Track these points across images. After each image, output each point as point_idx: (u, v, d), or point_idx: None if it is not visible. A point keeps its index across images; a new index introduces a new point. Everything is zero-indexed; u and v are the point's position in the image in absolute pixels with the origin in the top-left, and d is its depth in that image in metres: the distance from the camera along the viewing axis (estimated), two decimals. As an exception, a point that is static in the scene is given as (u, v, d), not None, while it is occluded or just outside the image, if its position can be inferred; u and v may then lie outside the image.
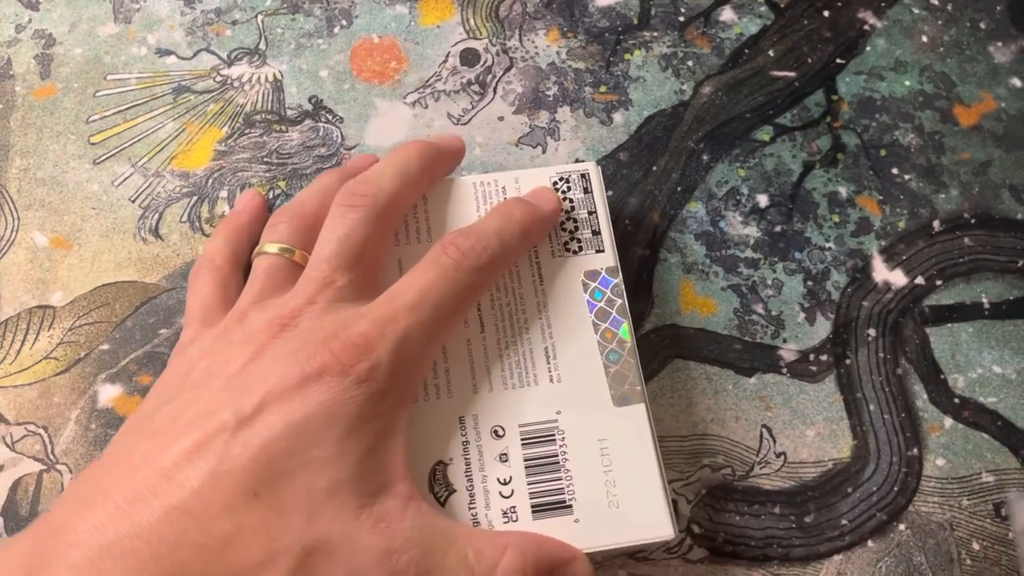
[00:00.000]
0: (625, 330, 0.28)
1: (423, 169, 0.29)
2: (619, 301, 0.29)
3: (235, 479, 0.21)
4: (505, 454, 0.27)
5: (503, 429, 0.27)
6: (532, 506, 0.26)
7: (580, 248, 0.30)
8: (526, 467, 0.26)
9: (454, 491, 0.26)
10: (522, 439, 0.27)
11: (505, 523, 0.26)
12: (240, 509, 0.21)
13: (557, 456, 0.27)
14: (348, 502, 0.22)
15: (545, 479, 0.26)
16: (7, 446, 0.30)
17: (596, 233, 0.30)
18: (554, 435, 0.27)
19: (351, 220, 0.26)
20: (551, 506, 0.26)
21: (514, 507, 0.26)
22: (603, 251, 0.30)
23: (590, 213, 0.30)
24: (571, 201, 0.30)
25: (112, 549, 0.20)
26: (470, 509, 0.26)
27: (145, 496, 0.21)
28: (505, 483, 0.26)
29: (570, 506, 0.26)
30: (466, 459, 0.27)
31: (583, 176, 0.31)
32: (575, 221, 0.30)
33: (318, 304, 0.25)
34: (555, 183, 0.31)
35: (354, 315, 0.24)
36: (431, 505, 0.25)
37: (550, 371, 0.28)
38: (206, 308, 0.28)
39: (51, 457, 0.30)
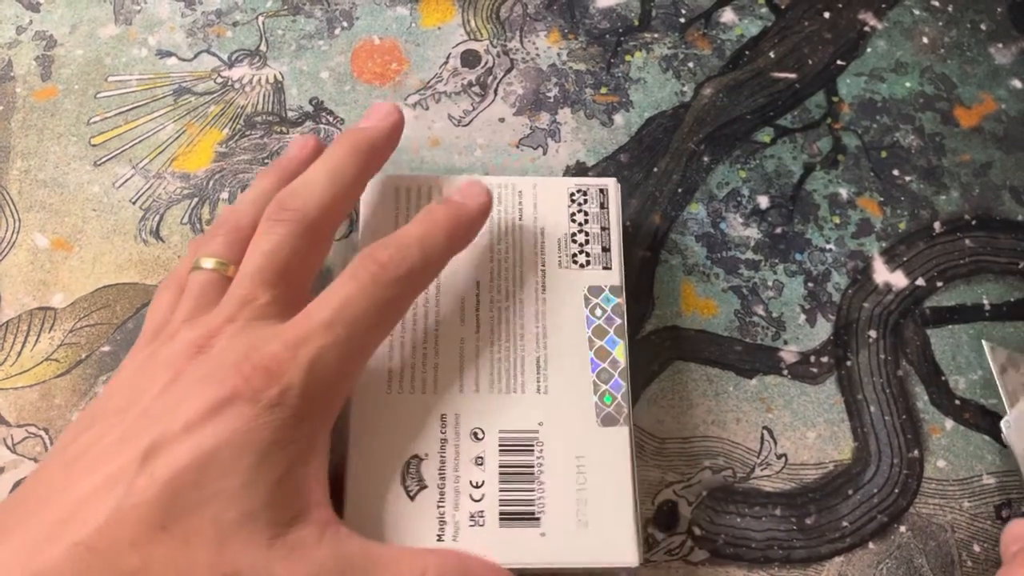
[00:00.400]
0: (620, 351, 0.28)
1: (358, 170, 0.28)
2: (618, 321, 0.29)
3: (141, 512, 0.20)
4: (481, 458, 0.27)
5: (483, 432, 0.27)
6: (500, 514, 0.26)
7: (588, 262, 0.30)
8: (500, 474, 0.26)
9: (425, 487, 0.26)
10: (500, 445, 0.27)
11: (471, 526, 0.26)
12: (146, 544, 0.20)
13: (533, 467, 0.27)
14: (259, 532, 0.21)
15: (517, 488, 0.26)
16: (8, 448, 0.30)
17: (606, 250, 0.30)
18: (533, 446, 0.27)
19: (276, 236, 0.25)
20: (519, 516, 0.26)
21: (482, 512, 0.26)
22: (610, 268, 0.30)
23: (603, 229, 0.30)
24: (585, 214, 0.30)
25: None
26: (438, 507, 0.26)
27: (53, 531, 0.20)
28: (477, 487, 0.26)
29: (538, 519, 0.26)
30: (442, 457, 0.27)
31: (601, 191, 0.31)
32: (587, 234, 0.30)
33: (236, 323, 0.24)
34: (572, 195, 0.31)
35: (268, 335, 0.23)
36: (398, 499, 0.25)
37: (539, 381, 0.28)
38: (156, 323, 0.27)
39: (52, 459, 0.30)
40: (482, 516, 0.26)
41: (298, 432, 0.22)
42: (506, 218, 0.30)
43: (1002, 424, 0.31)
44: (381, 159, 0.29)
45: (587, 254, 0.30)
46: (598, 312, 0.29)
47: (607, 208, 0.31)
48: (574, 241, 0.30)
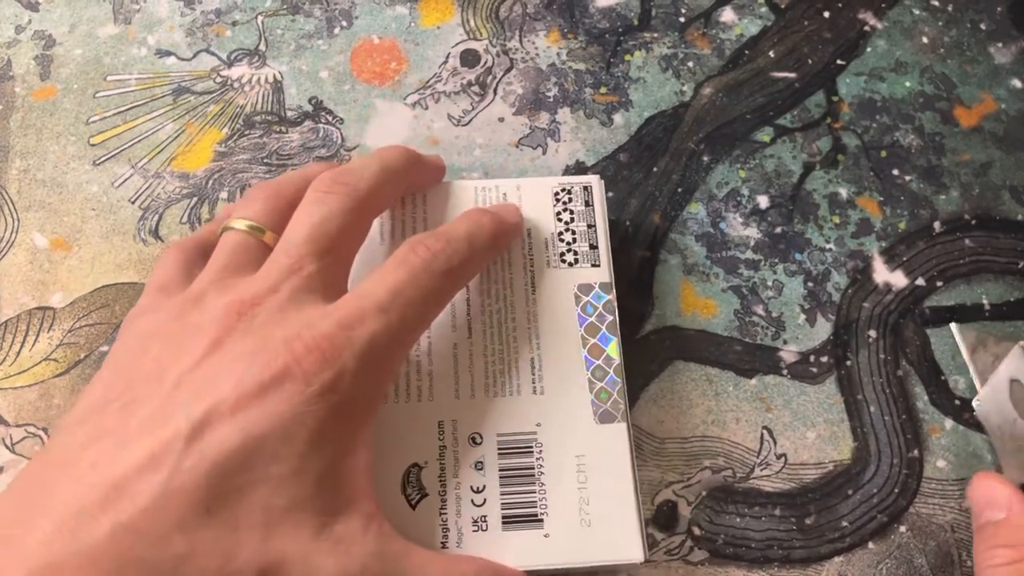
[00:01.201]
0: (613, 347, 0.28)
1: (407, 168, 0.28)
2: (610, 318, 0.29)
3: (188, 495, 0.20)
4: (481, 462, 0.27)
5: (481, 437, 0.27)
6: (503, 517, 0.26)
7: (576, 260, 0.30)
8: (501, 477, 0.26)
9: (426, 495, 0.26)
10: (499, 449, 0.27)
11: (475, 531, 0.26)
12: (193, 527, 0.20)
13: (533, 469, 0.27)
14: (307, 521, 0.21)
15: (519, 491, 0.26)
16: (7, 448, 0.30)
17: (593, 247, 0.30)
18: (532, 447, 0.27)
19: (328, 206, 0.25)
20: (522, 519, 0.26)
21: (485, 516, 0.26)
22: (598, 265, 0.30)
23: (589, 226, 0.30)
24: (571, 212, 0.30)
25: (61, 568, 0.19)
26: (440, 514, 0.26)
27: (93, 511, 0.19)
28: (478, 491, 0.26)
29: (541, 520, 0.26)
30: (441, 464, 0.27)
31: (585, 188, 0.31)
32: (573, 233, 0.30)
33: (281, 293, 0.23)
34: (556, 194, 0.31)
35: (319, 313, 0.22)
36: (400, 509, 0.25)
37: (534, 382, 0.28)
38: (165, 279, 0.25)
39: (51, 459, 0.30)
40: (485, 521, 0.26)
41: (347, 421, 0.22)
42: None
43: (974, 403, 0.31)
44: (424, 177, 0.30)
45: (575, 252, 0.30)
46: (589, 309, 0.29)
47: (592, 205, 0.31)
48: (561, 240, 0.30)
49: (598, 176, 0.31)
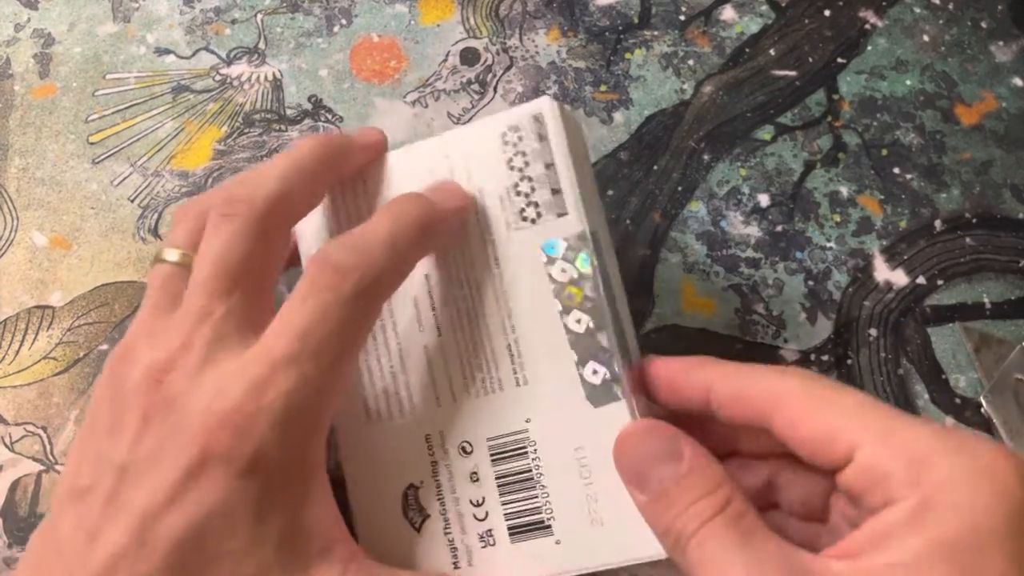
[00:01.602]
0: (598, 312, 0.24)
1: (322, 162, 0.24)
2: (589, 275, 0.24)
3: None
4: (476, 473, 0.24)
5: (471, 445, 0.24)
6: (509, 528, 0.24)
7: (539, 215, 0.24)
8: (498, 485, 0.24)
9: (428, 516, 0.25)
10: (491, 455, 0.24)
11: (483, 547, 0.24)
12: None
13: (531, 471, 0.24)
14: None
15: (520, 497, 0.24)
16: (6, 446, 0.30)
17: (556, 191, 0.24)
18: (525, 447, 0.24)
19: (226, 234, 0.23)
20: (529, 527, 0.24)
21: (490, 530, 0.24)
22: (566, 213, 0.24)
23: (547, 166, 0.24)
24: (524, 155, 0.24)
25: None
26: (446, 535, 0.24)
27: None
28: (478, 504, 0.24)
29: (549, 526, 0.23)
30: (436, 481, 0.25)
31: (536, 119, 0.24)
32: (530, 180, 0.24)
33: (195, 350, 0.22)
34: (504, 135, 0.25)
35: (230, 374, 0.21)
36: (406, 534, 0.24)
37: (515, 372, 0.24)
38: (154, 306, 0.24)
39: (50, 458, 0.30)
40: (491, 535, 0.24)
41: (287, 484, 0.21)
42: None
43: (981, 399, 0.31)
44: (353, 161, 0.26)
45: (535, 204, 0.24)
46: (561, 272, 0.24)
47: (547, 139, 0.24)
48: (517, 193, 0.24)
49: (549, 98, 0.25)
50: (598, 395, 0.23)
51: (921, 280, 0.34)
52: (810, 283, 0.33)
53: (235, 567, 0.21)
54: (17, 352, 0.31)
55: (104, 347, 0.31)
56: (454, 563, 0.24)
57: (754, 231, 0.34)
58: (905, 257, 0.34)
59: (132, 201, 0.34)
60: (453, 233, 0.25)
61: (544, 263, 0.24)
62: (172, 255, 0.24)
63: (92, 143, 0.35)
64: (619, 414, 0.23)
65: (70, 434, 0.30)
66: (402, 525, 0.25)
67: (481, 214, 0.25)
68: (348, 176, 0.26)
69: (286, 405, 0.21)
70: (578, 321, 0.24)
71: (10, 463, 0.30)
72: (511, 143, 0.25)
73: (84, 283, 0.32)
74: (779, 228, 0.34)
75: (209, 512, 0.20)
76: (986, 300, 0.33)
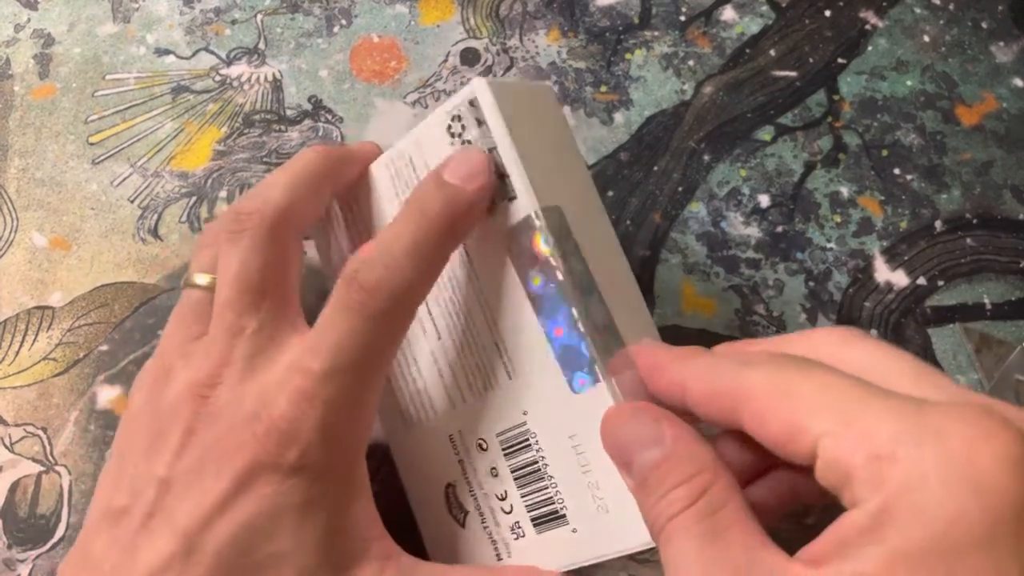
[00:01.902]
0: (561, 289, 0.22)
1: (321, 172, 0.25)
2: (545, 255, 0.22)
3: None
4: (495, 468, 0.25)
5: (485, 442, 0.25)
6: (532, 520, 0.24)
7: (493, 203, 0.23)
8: (515, 479, 0.24)
9: (467, 512, 0.25)
10: (502, 449, 0.24)
11: (515, 539, 0.24)
12: None
13: (538, 463, 0.24)
14: None
15: (534, 489, 0.24)
16: (6, 447, 0.30)
17: (503, 176, 0.23)
18: (528, 440, 0.24)
19: (241, 249, 0.23)
20: (548, 518, 0.24)
21: (518, 523, 0.24)
22: (515, 197, 0.23)
23: (491, 151, 0.23)
24: (469, 144, 0.23)
25: None
26: (484, 528, 0.25)
27: None
28: (502, 498, 0.25)
29: (564, 516, 0.23)
30: (466, 478, 0.25)
31: (472, 104, 0.23)
32: None
33: (235, 364, 0.23)
34: (449, 127, 0.24)
35: (273, 384, 0.22)
36: (453, 531, 0.25)
37: (505, 366, 0.24)
38: (186, 329, 0.25)
39: (50, 459, 0.30)
40: (520, 527, 0.24)
41: (329, 483, 0.22)
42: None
43: None
44: (349, 172, 0.27)
45: None
46: (521, 256, 0.23)
47: (485, 122, 0.23)
48: None
49: (481, 78, 0.23)
50: (576, 381, 0.22)
51: (922, 281, 0.34)
52: (811, 284, 0.33)
53: (279, 570, 0.21)
54: (17, 353, 0.31)
55: (104, 347, 0.31)
56: (496, 555, 0.25)
57: (754, 232, 0.34)
58: (906, 258, 0.34)
59: (132, 202, 0.34)
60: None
61: (508, 251, 0.23)
62: (202, 279, 0.25)
63: (92, 144, 0.35)
64: (601, 398, 0.22)
65: (70, 435, 0.30)
66: (450, 522, 0.25)
67: None
68: (348, 186, 0.27)
69: (328, 412, 0.22)
70: (543, 305, 0.23)
71: (10, 464, 0.30)
72: (456, 133, 0.24)
73: (84, 284, 0.32)
74: (779, 229, 0.34)
75: (257, 518, 0.21)
76: (986, 301, 0.33)
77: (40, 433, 0.30)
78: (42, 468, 0.30)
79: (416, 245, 0.22)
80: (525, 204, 0.22)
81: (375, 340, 0.22)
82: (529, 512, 0.24)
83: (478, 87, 0.23)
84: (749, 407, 0.19)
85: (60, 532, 0.29)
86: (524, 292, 0.23)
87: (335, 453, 0.22)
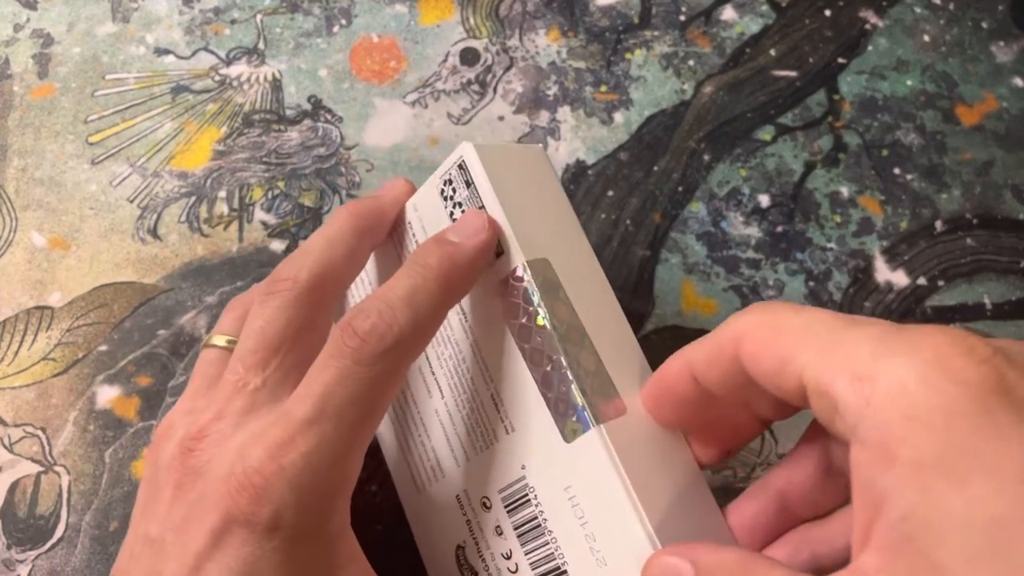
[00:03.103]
0: (550, 340, 0.23)
1: (358, 231, 0.25)
2: (532, 307, 0.23)
3: None
4: (499, 526, 0.24)
5: (489, 500, 0.25)
6: None
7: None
8: (518, 536, 0.24)
9: (477, 573, 0.25)
10: (504, 507, 0.24)
11: None
12: None
13: (537, 518, 0.23)
14: None
15: (537, 546, 0.24)
16: (5, 448, 0.30)
17: None
18: (527, 495, 0.24)
19: (268, 310, 0.24)
20: (551, 574, 0.23)
21: None
22: (502, 252, 0.24)
23: (480, 209, 0.24)
24: (460, 205, 0.25)
25: None
26: None
27: None
28: (508, 557, 0.24)
29: (565, 572, 0.23)
30: (474, 539, 0.25)
31: (460, 167, 0.24)
32: None
33: (227, 419, 0.22)
34: (442, 191, 0.25)
35: (253, 438, 0.21)
36: None
37: (503, 420, 0.24)
38: (197, 388, 0.25)
39: (49, 459, 0.30)
40: None
41: (312, 547, 0.21)
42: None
43: None
44: (386, 223, 0.27)
45: None
46: (513, 310, 0.23)
47: (473, 184, 0.24)
48: None
49: (468, 143, 0.24)
50: (568, 431, 0.22)
51: (922, 281, 0.34)
52: (811, 284, 0.33)
53: None
54: (16, 353, 0.31)
55: (103, 347, 0.31)
56: None
57: (754, 232, 0.34)
58: (906, 258, 0.34)
59: (131, 202, 0.34)
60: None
61: (499, 306, 0.24)
62: (219, 340, 0.25)
63: (91, 143, 0.35)
64: (592, 446, 0.22)
65: (69, 435, 0.30)
66: None
67: None
68: (385, 236, 0.27)
69: (305, 466, 0.21)
70: (538, 358, 0.23)
71: (9, 464, 0.30)
72: (448, 196, 0.25)
73: (83, 284, 0.32)
74: (779, 229, 0.34)
75: (237, 572, 0.20)
76: (987, 301, 0.33)
77: (39, 433, 0.30)
78: (41, 468, 0.30)
79: (413, 294, 0.22)
80: (513, 258, 0.23)
81: (365, 388, 0.22)
82: (533, 570, 0.24)
83: (465, 151, 0.24)
84: (745, 348, 0.20)
85: (59, 532, 0.29)
86: (516, 344, 0.23)
87: (313, 512, 0.21)
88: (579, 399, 0.22)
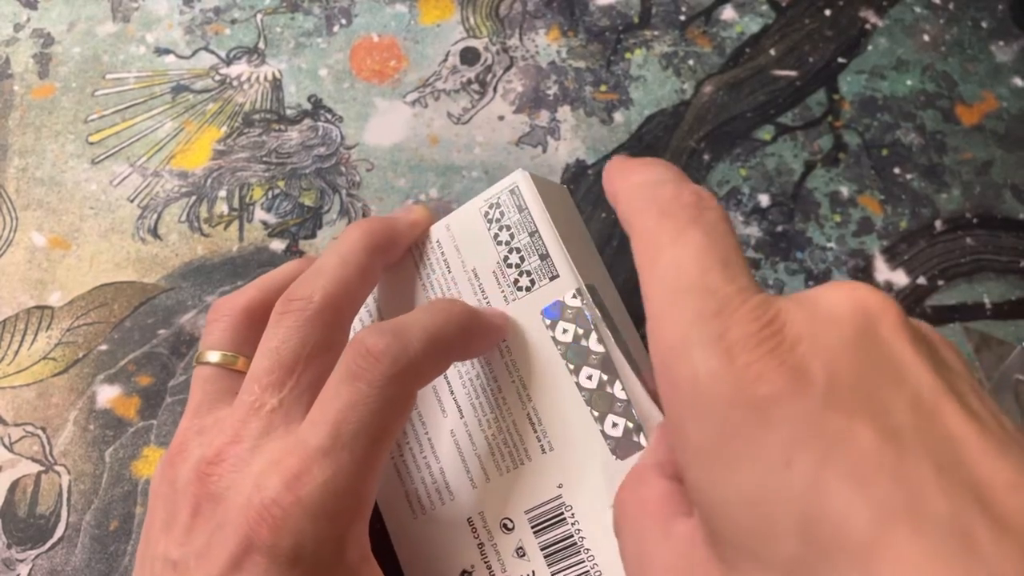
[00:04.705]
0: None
1: (371, 249, 0.26)
2: (591, 329, 0.24)
3: None
4: (521, 548, 0.24)
5: (511, 521, 0.24)
6: None
7: (532, 283, 0.25)
8: (545, 557, 0.24)
9: None
10: (532, 527, 0.24)
11: None
12: None
13: (573, 537, 0.24)
14: None
15: (568, 566, 0.24)
16: (5, 447, 0.30)
17: (544, 257, 0.25)
18: (563, 514, 0.24)
19: (282, 329, 0.24)
20: None
21: None
22: (557, 276, 0.25)
23: (531, 234, 0.25)
24: (508, 229, 0.26)
25: None
26: None
27: None
28: None
29: None
30: (486, 563, 0.25)
31: (512, 192, 0.26)
32: (518, 252, 0.26)
33: (244, 443, 0.22)
34: (487, 214, 0.26)
35: (270, 464, 0.21)
36: None
37: (539, 440, 0.24)
38: (199, 405, 0.25)
39: (49, 458, 0.30)
40: None
41: (331, 572, 0.21)
42: (437, 278, 0.27)
43: None
44: (401, 243, 0.27)
45: (527, 273, 0.25)
46: (563, 333, 0.24)
47: (526, 208, 0.25)
48: (509, 265, 0.26)
49: (522, 170, 0.26)
50: (622, 447, 0.23)
51: (921, 280, 0.34)
52: (811, 283, 0.33)
53: None
54: (16, 352, 0.31)
55: (103, 347, 0.31)
56: None
57: (754, 231, 0.34)
58: (905, 257, 0.34)
59: (131, 201, 0.34)
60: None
61: (547, 327, 0.25)
62: (213, 356, 0.25)
63: (91, 143, 0.35)
64: None
65: (69, 435, 0.30)
66: None
67: (480, 292, 0.26)
68: (398, 257, 0.28)
69: (322, 496, 0.21)
70: (589, 377, 0.24)
71: (9, 464, 0.30)
72: (494, 219, 0.26)
73: (83, 283, 0.32)
74: (779, 228, 0.34)
75: None
76: (987, 300, 0.33)
77: (39, 433, 0.30)
78: (41, 468, 0.30)
79: (430, 326, 0.23)
80: (568, 282, 0.25)
81: (380, 412, 0.22)
82: None
83: (520, 178, 0.26)
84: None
85: (59, 532, 0.29)
86: (563, 365, 0.24)
87: (332, 541, 0.21)
88: (636, 416, 0.23)
